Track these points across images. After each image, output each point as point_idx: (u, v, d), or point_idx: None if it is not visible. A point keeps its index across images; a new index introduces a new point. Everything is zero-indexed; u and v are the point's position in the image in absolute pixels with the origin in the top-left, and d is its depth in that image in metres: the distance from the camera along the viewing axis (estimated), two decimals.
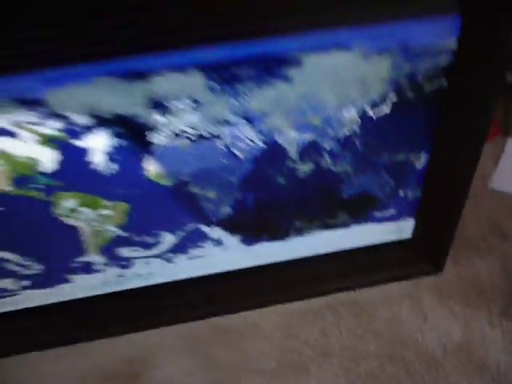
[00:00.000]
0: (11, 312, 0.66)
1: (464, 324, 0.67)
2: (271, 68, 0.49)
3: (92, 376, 0.65)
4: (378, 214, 0.66)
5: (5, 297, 0.64)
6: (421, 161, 0.61)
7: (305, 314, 0.70)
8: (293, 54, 0.48)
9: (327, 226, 0.66)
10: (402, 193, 0.64)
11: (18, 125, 0.48)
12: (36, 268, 0.61)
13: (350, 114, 0.54)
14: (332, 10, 0.46)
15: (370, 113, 0.54)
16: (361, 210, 0.65)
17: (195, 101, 0.49)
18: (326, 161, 0.58)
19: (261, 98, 0.51)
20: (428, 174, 0.62)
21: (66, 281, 0.64)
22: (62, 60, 0.44)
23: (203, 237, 0.63)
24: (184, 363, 0.65)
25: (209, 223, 0.61)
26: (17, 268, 0.60)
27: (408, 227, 0.69)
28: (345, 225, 0.66)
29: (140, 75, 0.46)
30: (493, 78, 0.52)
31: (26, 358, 0.67)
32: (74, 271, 0.63)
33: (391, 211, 0.66)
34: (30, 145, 0.49)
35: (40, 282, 0.63)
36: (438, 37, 0.50)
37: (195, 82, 0.48)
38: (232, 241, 0.64)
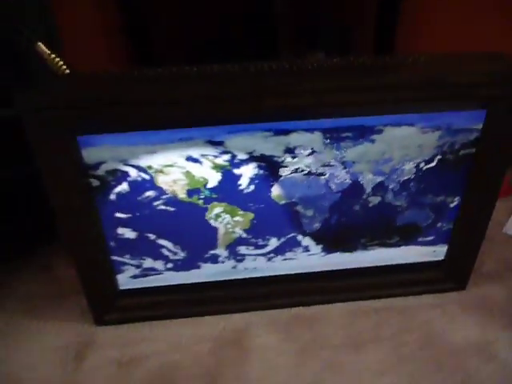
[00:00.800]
0: (151, 287, 0.92)
1: (481, 327, 0.90)
2: (363, 133, 0.77)
3: (205, 340, 0.89)
4: (420, 239, 0.92)
5: (153, 274, 0.90)
6: (455, 202, 0.87)
7: (362, 311, 0.93)
8: (377, 126, 0.76)
9: (383, 245, 0.92)
10: (439, 224, 0.90)
11: (204, 156, 0.76)
12: (180, 255, 0.87)
13: (409, 166, 0.82)
14: (402, 103, 0.75)
15: (423, 166, 0.82)
16: (408, 235, 0.91)
17: (312, 150, 0.78)
18: (389, 196, 0.85)
19: (354, 151, 0.79)
20: (459, 212, 0.88)
21: (197, 267, 0.90)
22: (241, 120, 0.73)
23: (297, 243, 0.89)
24: (273, 336, 0.89)
25: (303, 234, 0.88)
26: (168, 253, 0.87)
27: (442, 251, 0.94)
28: (396, 245, 0.92)
29: (284, 132, 0.75)
30: (506, 152, 0.80)
31: (156, 323, 0.92)
32: (205, 260, 0.89)
33: (431, 237, 0.92)
34: (206, 169, 0.78)
35: (180, 265, 0.89)
36: (470, 121, 0.78)
37: (316, 138, 0.76)
38: (316, 249, 0.90)
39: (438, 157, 0.81)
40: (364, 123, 0.76)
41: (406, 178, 0.83)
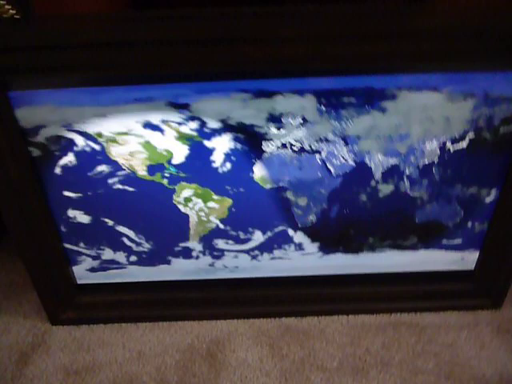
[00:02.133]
0: (114, 284, 0.77)
1: None
2: (371, 99, 0.59)
3: (173, 350, 0.74)
4: (445, 242, 0.73)
5: (114, 268, 0.75)
6: (491, 196, 0.68)
7: (368, 327, 0.76)
8: (389, 90, 0.59)
9: (397, 247, 0.73)
10: (470, 224, 0.71)
11: (165, 122, 0.61)
12: (145, 246, 0.73)
13: (432, 146, 0.63)
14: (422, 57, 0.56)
15: (450, 147, 0.63)
16: (430, 236, 0.72)
17: (304, 119, 0.61)
18: (405, 185, 0.67)
19: (358, 123, 0.61)
20: (497, 210, 0.69)
21: (167, 262, 0.75)
22: (212, 76, 0.57)
23: (288, 240, 0.72)
24: (255, 351, 0.73)
25: (295, 228, 0.71)
26: (130, 243, 0.72)
27: (472, 259, 0.75)
28: (414, 247, 0.74)
29: (266, 94, 0.59)
30: None
31: (119, 326, 0.78)
32: (175, 254, 0.74)
33: (458, 241, 0.73)
34: (169, 139, 0.62)
35: (145, 259, 0.74)
36: None
37: (308, 103, 0.59)
38: (311, 247, 0.73)
39: (471, 135, 0.62)
40: (372, 84, 0.58)
41: (427, 161, 0.65)
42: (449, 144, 0.63)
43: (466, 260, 0.75)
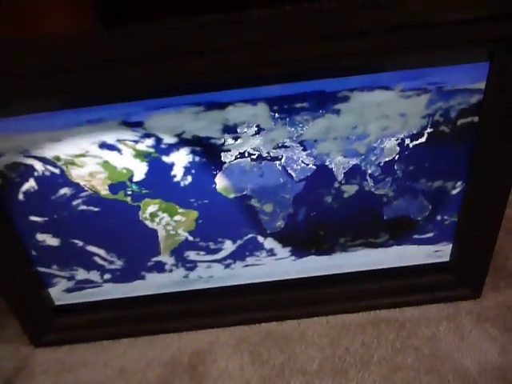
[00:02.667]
0: (92, 302, 0.77)
1: (500, 347, 0.71)
2: (323, 102, 0.59)
3: (155, 364, 0.74)
4: (416, 237, 0.73)
5: (90, 288, 0.75)
6: (457, 188, 0.68)
7: (347, 327, 0.76)
8: (341, 92, 0.58)
9: (369, 245, 0.73)
10: (439, 217, 0.71)
11: (121, 141, 0.61)
12: (118, 263, 0.73)
13: (391, 144, 0.63)
14: (377, 57, 0.56)
15: (409, 143, 0.63)
16: (401, 232, 0.72)
17: (259, 127, 0.60)
18: (369, 184, 0.66)
19: (314, 127, 0.61)
20: (464, 201, 0.68)
21: (141, 277, 0.75)
22: (160, 92, 0.57)
23: (258, 246, 0.72)
24: (236, 359, 0.73)
25: (264, 234, 0.71)
26: (102, 262, 0.72)
27: (446, 251, 0.75)
28: (386, 245, 0.73)
29: (218, 105, 0.58)
30: None
31: (100, 344, 0.78)
32: (149, 269, 0.74)
33: (429, 234, 0.73)
34: (127, 158, 0.62)
35: (119, 276, 0.74)
36: (469, 79, 0.58)
37: (261, 112, 0.59)
38: (283, 252, 0.73)
39: (429, 129, 0.62)
40: (323, 88, 0.58)
41: (387, 158, 0.64)
42: (407, 140, 0.63)
43: (441, 252, 0.75)
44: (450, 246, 0.74)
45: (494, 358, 0.69)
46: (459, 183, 0.67)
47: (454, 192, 0.68)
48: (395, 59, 0.57)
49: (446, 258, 0.76)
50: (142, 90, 0.57)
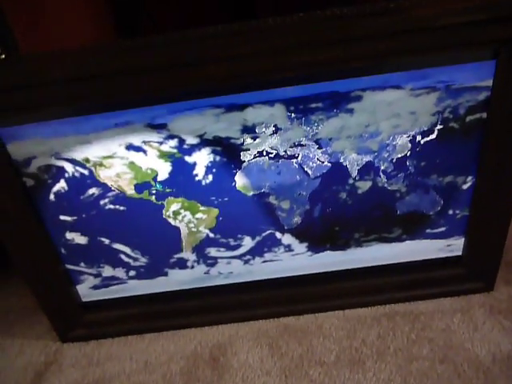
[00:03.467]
0: (117, 299, 0.81)
1: None
2: (336, 102, 0.62)
3: (177, 357, 0.77)
4: (429, 231, 0.75)
5: (115, 284, 0.79)
6: (467, 183, 0.70)
7: (363, 320, 0.78)
8: (354, 92, 0.61)
9: (383, 240, 0.76)
10: (451, 212, 0.73)
11: (146, 143, 0.64)
12: (142, 260, 0.76)
13: (403, 141, 0.66)
14: (388, 59, 0.59)
15: (420, 140, 0.66)
16: (413, 227, 0.75)
17: (277, 127, 0.64)
18: (382, 180, 0.69)
19: (328, 126, 0.64)
20: (475, 195, 0.71)
21: (164, 274, 0.78)
22: (184, 96, 0.61)
23: (276, 242, 0.75)
24: (256, 352, 0.76)
25: (282, 230, 0.74)
26: (127, 259, 0.76)
27: (459, 245, 0.77)
28: (399, 239, 0.76)
29: (237, 107, 0.62)
30: None
31: (125, 339, 0.82)
32: (171, 266, 0.77)
33: (442, 229, 0.75)
34: (152, 158, 0.66)
35: (143, 273, 0.78)
36: (476, 77, 0.61)
37: (278, 112, 0.62)
38: (300, 248, 0.76)
39: (439, 126, 0.65)
40: (336, 89, 0.61)
41: (400, 155, 0.67)
42: (419, 137, 0.65)
43: (453, 246, 0.77)
44: (462, 240, 0.76)
45: (507, 348, 0.71)
46: (469, 178, 0.70)
47: (465, 187, 0.70)
48: (405, 60, 0.60)
49: (459, 252, 0.78)
50: (166, 94, 0.60)
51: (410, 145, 0.66)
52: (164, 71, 0.58)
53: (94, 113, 0.62)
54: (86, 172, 0.66)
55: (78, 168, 0.66)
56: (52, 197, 0.68)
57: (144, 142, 0.64)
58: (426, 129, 0.65)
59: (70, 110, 0.62)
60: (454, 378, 0.68)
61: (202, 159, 0.66)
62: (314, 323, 0.79)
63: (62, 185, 0.67)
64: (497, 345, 0.72)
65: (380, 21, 0.55)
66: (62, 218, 0.70)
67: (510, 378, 0.67)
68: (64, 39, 0.73)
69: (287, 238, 0.75)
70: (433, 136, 0.65)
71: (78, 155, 0.65)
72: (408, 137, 0.65)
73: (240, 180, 0.68)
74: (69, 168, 0.66)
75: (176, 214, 0.71)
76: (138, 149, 0.65)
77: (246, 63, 0.57)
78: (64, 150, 0.64)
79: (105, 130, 0.63)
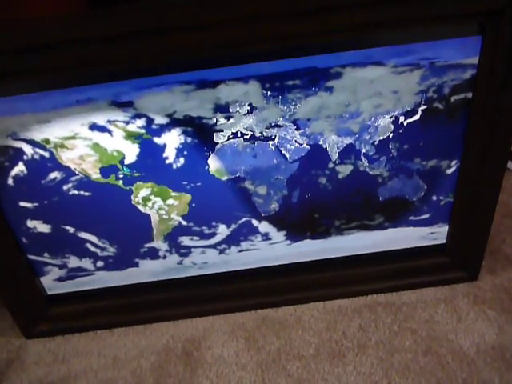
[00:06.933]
0: (85, 291, 0.76)
1: (498, 327, 0.70)
2: (315, 79, 0.58)
3: (148, 353, 0.73)
4: (412, 218, 0.72)
5: (82, 276, 0.74)
6: (452, 167, 0.67)
7: (344, 311, 0.75)
8: (333, 68, 0.58)
9: (365, 228, 0.73)
10: (434, 198, 0.70)
11: (111, 122, 0.60)
12: (110, 250, 0.71)
13: (385, 122, 0.62)
14: (367, 32, 0.55)
15: (403, 120, 0.62)
16: (396, 213, 0.72)
17: (252, 106, 0.60)
18: (363, 164, 0.66)
19: (306, 105, 0.60)
20: (459, 181, 0.68)
21: (134, 265, 0.73)
22: (150, 71, 0.56)
23: (253, 230, 0.71)
24: (231, 346, 0.72)
25: (258, 218, 0.70)
26: (94, 249, 0.71)
27: (442, 233, 0.74)
28: (381, 227, 0.73)
29: (209, 83, 0.57)
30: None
31: (93, 334, 0.77)
32: (142, 256, 0.72)
33: (425, 216, 0.72)
34: (118, 139, 0.61)
35: (112, 264, 0.73)
36: (461, 53, 0.58)
37: (252, 90, 0.58)
38: (278, 236, 0.72)
39: (422, 107, 0.61)
40: (315, 64, 0.57)
41: (382, 137, 0.64)
42: (401, 118, 0.62)
43: (437, 234, 0.75)
44: (446, 227, 0.74)
45: (491, 339, 0.69)
46: (454, 162, 0.67)
47: (449, 171, 0.67)
48: (386, 34, 0.56)
49: (442, 241, 0.75)
50: (130, 68, 0.56)
51: (392, 126, 0.63)
52: (125, 41, 0.53)
53: (52, 88, 0.57)
54: (46, 154, 0.61)
55: (37, 150, 0.61)
56: (10, 181, 0.63)
57: (109, 122, 0.60)
58: (409, 109, 0.61)
59: (26, 85, 0.57)
60: (437, 371, 0.66)
61: (172, 140, 0.61)
62: (292, 315, 0.76)
63: (20, 168, 0.62)
64: (481, 335, 0.69)
65: None
66: (22, 204, 0.65)
67: (495, 369, 0.65)
68: (25, 8, 0.68)
69: (264, 226, 0.71)
70: (416, 117, 0.62)
71: (37, 135, 0.60)
72: (390, 118, 0.62)
73: (213, 163, 0.64)
74: (27, 149, 0.61)
75: (145, 200, 0.66)
76: (102, 129, 0.60)
77: (215, 33, 0.53)
78: (21, 129, 0.59)
79: (65, 107, 0.58)
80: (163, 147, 0.62)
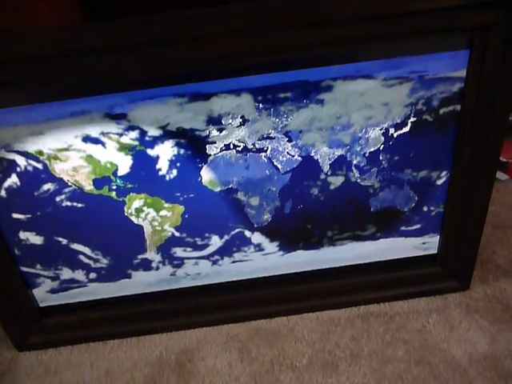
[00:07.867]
0: (77, 303, 0.76)
1: (490, 337, 0.70)
2: (307, 92, 0.59)
3: (141, 365, 0.72)
4: (404, 228, 0.73)
5: (75, 287, 0.74)
6: (442, 178, 0.68)
7: (337, 321, 0.75)
8: (324, 81, 0.59)
9: (357, 238, 0.73)
10: (425, 208, 0.71)
11: (105, 134, 0.60)
12: (103, 262, 0.71)
13: (375, 134, 0.63)
14: (357, 46, 0.56)
15: (393, 132, 0.63)
16: (388, 224, 0.72)
17: (244, 118, 0.60)
18: (355, 175, 0.66)
19: (298, 117, 0.61)
20: (450, 191, 0.69)
21: (127, 276, 0.73)
22: (144, 83, 0.57)
23: (246, 241, 0.71)
24: (225, 357, 0.72)
25: (251, 228, 0.70)
26: (87, 261, 0.71)
27: (434, 243, 0.75)
28: (373, 237, 0.73)
29: (202, 96, 0.58)
30: (503, 105, 0.60)
31: (86, 346, 0.76)
32: (135, 267, 0.72)
33: (416, 226, 0.73)
34: (111, 151, 0.62)
35: (105, 275, 0.73)
36: (450, 67, 0.59)
37: (245, 102, 0.59)
38: (271, 247, 0.73)
39: (412, 119, 0.62)
40: (306, 78, 0.58)
41: (372, 149, 0.65)
42: (392, 130, 0.63)
43: (428, 244, 0.75)
44: (437, 237, 0.74)
45: (483, 349, 0.69)
46: (444, 173, 0.68)
47: (440, 182, 0.68)
48: (376, 48, 0.57)
49: (434, 251, 0.76)
50: (124, 80, 0.56)
51: (382, 138, 0.64)
52: (120, 54, 0.54)
53: (46, 100, 0.57)
54: (39, 166, 0.62)
55: (30, 161, 0.61)
56: (3, 193, 0.63)
57: (102, 134, 0.60)
58: (399, 121, 0.62)
59: (20, 97, 0.57)
60: (430, 380, 0.66)
61: (165, 152, 0.62)
62: (285, 326, 0.76)
63: (13, 180, 0.62)
64: (473, 345, 0.70)
65: (350, 4, 0.52)
66: (15, 216, 0.65)
67: (487, 379, 0.65)
68: (20, 20, 0.68)
69: (257, 237, 0.71)
70: (406, 129, 0.63)
71: (31, 147, 0.60)
72: (381, 129, 0.63)
73: (206, 175, 0.64)
74: (21, 161, 0.61)
75: (138, 211, 0.66)
76: (95, 141, 0.60)
77: (208, 46, 0.54)
78: (15, 141, 0.60)
79: (59, 119, 0.58)
80: (156, 159, 0.62)
